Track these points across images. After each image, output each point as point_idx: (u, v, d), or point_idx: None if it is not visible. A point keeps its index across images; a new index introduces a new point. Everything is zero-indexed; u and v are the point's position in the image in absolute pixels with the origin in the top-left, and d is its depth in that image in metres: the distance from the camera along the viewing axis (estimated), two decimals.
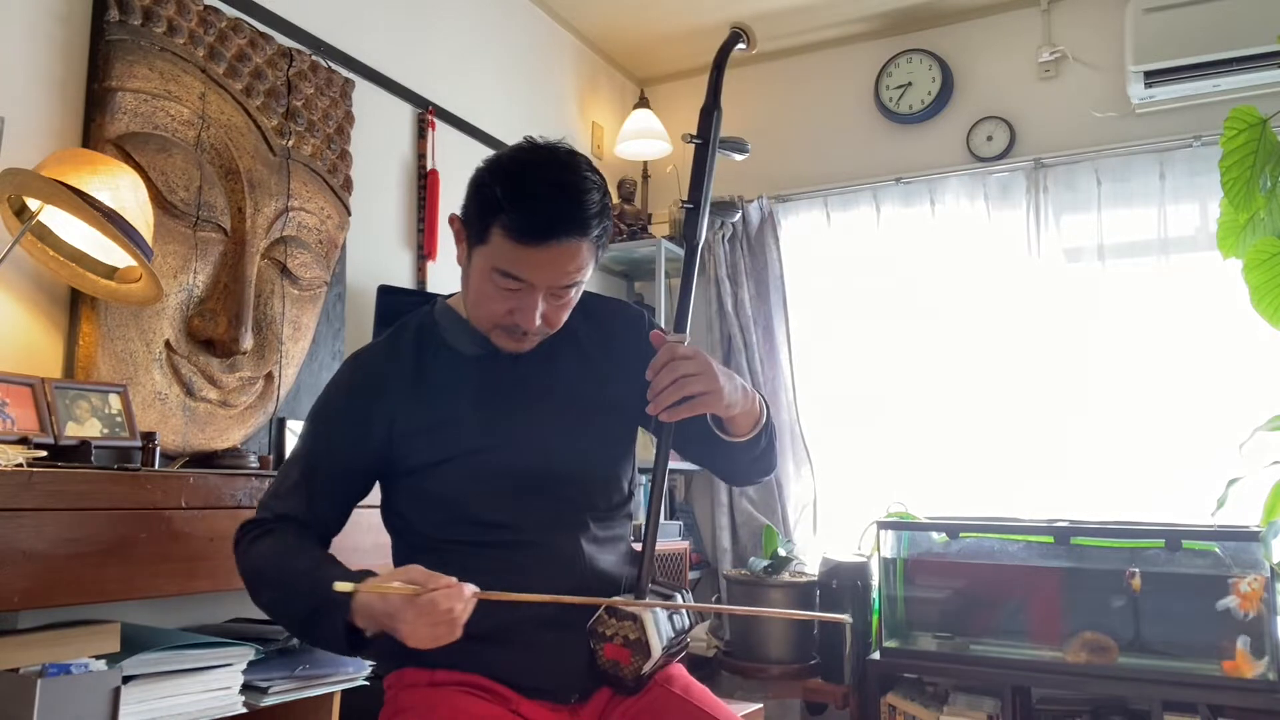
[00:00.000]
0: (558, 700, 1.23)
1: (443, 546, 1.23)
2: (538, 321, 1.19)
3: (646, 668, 1.20)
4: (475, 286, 1.21)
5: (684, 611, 1.26)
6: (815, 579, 2.83)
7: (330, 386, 1.31)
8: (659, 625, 1.20)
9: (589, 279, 1.23)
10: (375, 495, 1.35)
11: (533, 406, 1.28)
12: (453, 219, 1.25)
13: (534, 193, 1.13)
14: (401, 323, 1.34)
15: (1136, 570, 2.39)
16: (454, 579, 1.05)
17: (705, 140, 1.24)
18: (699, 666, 2.82)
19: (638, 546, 1.35)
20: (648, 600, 1.22)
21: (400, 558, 1.32)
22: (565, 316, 1.25)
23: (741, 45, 1.26)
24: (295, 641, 1.68)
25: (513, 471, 1.24)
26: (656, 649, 1.19)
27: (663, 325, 3.38)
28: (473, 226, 1.19)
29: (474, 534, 1.24)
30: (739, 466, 1.34)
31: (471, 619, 1.19)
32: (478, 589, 1.07)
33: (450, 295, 1.36)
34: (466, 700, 1.18)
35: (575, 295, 1.24)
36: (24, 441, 1.43)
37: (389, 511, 1.34)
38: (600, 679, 1.24)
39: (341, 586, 1.04)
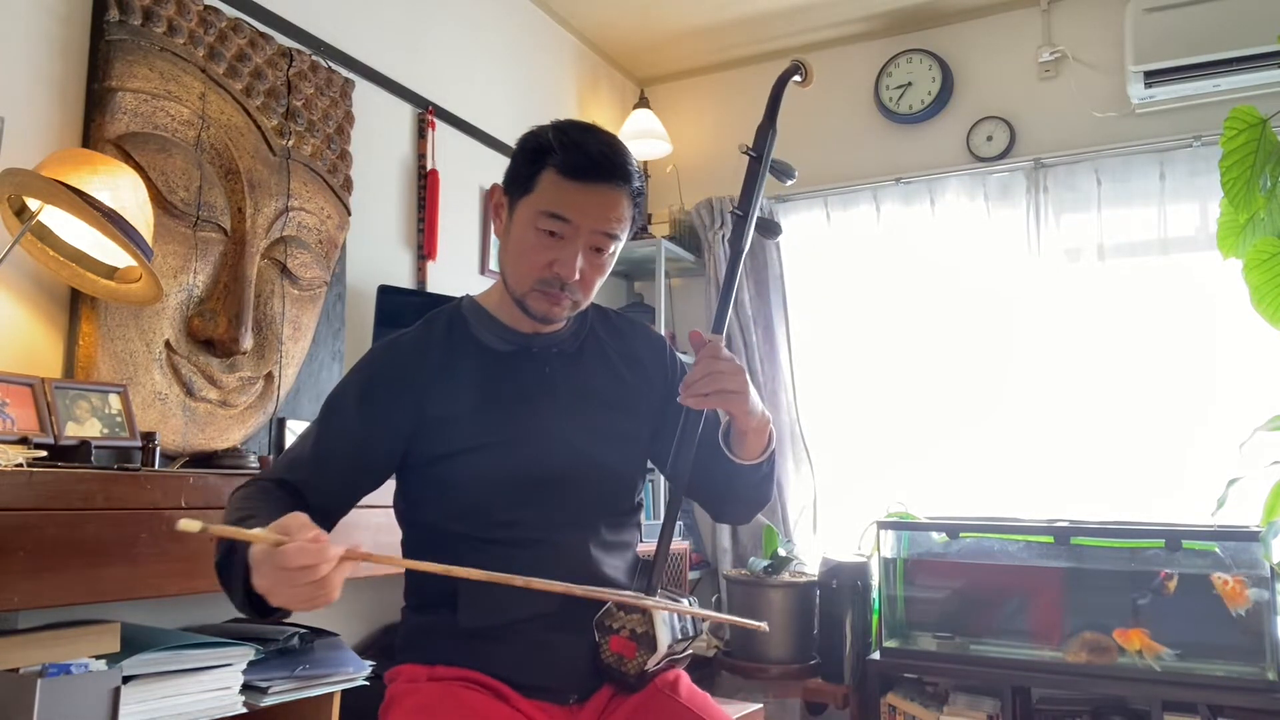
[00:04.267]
0: (556, 700, 1.23)
1: (452, 539, 1.23)
2: (576, 274, 1.21)
3: (651, 663, 1.21)
4: (517, 240, 1.24)
5: (690, 619, 1.27)
6: (815, 579, 2.83)
7: (357, 370, 1.29)
8: (667, 622, 1.21)
9: (617, 256, 1.28)
10: (380, 496, 1.34)
11: (559, 405, 1.29)
12: (493, 189, 1.30)
13: (582, 140, 1.21)
14: (431, 314, 1.34)
15: (1175, 573, 2.38)
16: (321, 533, 0.93)
17: (759, 155, 1.30)
18: (699, 666, 2.82)
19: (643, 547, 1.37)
20: (655, 600, 1.22)
21: (409, 550, 1.32)
22: (598, 284, 1.28)
23: (797, 78, 1.32)
24: (295, 641, 1.68)
25: (534, 466, 1.25)
26: (663, 644, 1.19)
27: (661, 329, 3.40)
28: (519, 180, 1.24)
29: (484, 529, 1.23)
30: (735, 492, 1.35)
31: (472, 616, 1.20)
32: (349, 548, 0.95)
33: (479, 293, 1.38)
34: (467, 694, 1.18)
35: (610, 259, 1.27)
36: (24, 441, 1.43)
37: (403, 501, 1.33)
38: (601, 676, 1.24)
39: (186, 525, 0.86)
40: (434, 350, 1.28)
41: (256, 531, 0.92)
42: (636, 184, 1.24)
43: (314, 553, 0.90)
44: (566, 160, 1.19)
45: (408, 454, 1.26)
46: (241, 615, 1.88)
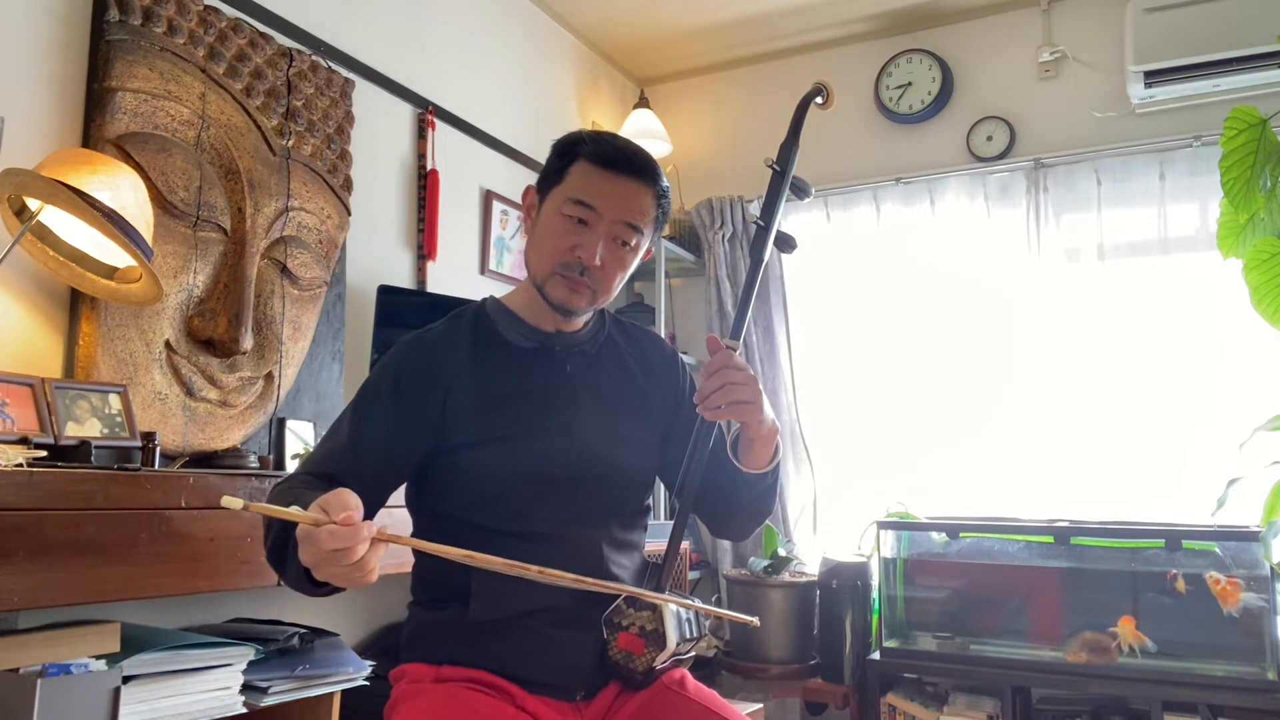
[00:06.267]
0: (563, 697, 1.24)
1: (463, 529, 1.24)
2: (597, 259, 1.25)
3: (659, 660, 1.22)
4: (543, 226, 1.30)
5: (696, 619, 1.28)
6: (815, 579, 2.83)
7: (387, 364, 1.30)
8: (676, 621, 1.22)
9: (640, 257, 1.33)
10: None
11: (577, 403, 1.32)
12: (527, 190, 1.36)
13: (613, 138, 1.31)
14: (456, 311, 1.37)
15: (1179, 572, 2.37)
16: (355, 514, 0.95)
17: (783, 170, 1.36)
18: (699, 666, 2.82)
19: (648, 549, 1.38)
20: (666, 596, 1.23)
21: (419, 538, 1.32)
22: (618, 281, 1.31)
23: (819, 100, 1.38)
24: (295, 641, 1.68)
25: (549, 461, 1.27)
26: (672, 641, 1.21)
27: (661, 329, 3.40)
28: (550, 174, 1.30)
29: (497, 520, 1.24)
30: (739, 502, 1.36)
31: (485, 608, 1.22)
32: (380, 529, 0.98)
33: (503, 295, 1.41)
34: (471, 695, 1.18)
35: (631, 256, 1.31)
36: (24, 441, 1.43)
37: (415, 491, 1.34)
38: (608, 673, 1.25)
39: (229, 501, 0.89)
40: (460, 344, 1.31)
41: (295, 510, 0.94)
42: (662, 184, 1.31)
43: (346, 535, 0.93)
44: (596, 150, 1.27)
45: (434, 444, 1.27)
46: (245, 617, 1.89)
